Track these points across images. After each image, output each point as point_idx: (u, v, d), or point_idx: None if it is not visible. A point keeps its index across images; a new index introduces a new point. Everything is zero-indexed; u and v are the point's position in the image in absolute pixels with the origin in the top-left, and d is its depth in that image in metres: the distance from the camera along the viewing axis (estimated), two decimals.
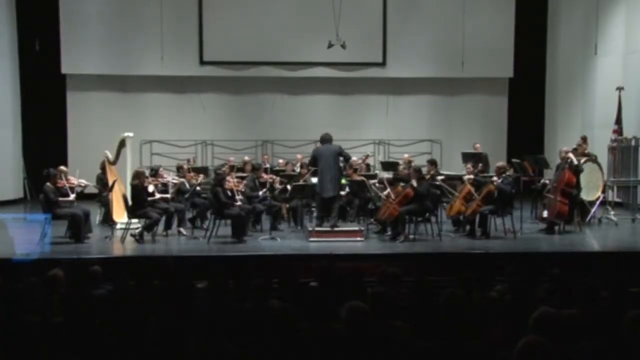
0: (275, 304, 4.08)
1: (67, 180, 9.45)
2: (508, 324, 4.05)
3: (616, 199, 11.44)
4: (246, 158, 12.76)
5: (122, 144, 10.64)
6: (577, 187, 10.04)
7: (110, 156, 10.75)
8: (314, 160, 9.53)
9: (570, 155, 10.04)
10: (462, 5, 14.43)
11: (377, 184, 9.98)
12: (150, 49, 14.36)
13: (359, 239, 9.24)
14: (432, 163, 10.70)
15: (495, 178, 9.32)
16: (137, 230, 9.20)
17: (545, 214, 10.17)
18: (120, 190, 10.27)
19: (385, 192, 9.45)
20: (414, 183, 9.16)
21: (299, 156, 13.21)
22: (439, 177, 9.88)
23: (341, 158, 9.45)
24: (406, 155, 13.07)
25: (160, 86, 14.98)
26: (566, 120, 14.33)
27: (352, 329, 3.70)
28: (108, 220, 10.28)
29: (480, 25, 14.75)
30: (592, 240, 9.70)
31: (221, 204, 9.23)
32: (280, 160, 13.25)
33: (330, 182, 9.22)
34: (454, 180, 10.31)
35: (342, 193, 10.37)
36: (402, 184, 9.55)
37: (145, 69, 14.60)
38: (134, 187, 9.41)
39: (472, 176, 9.62)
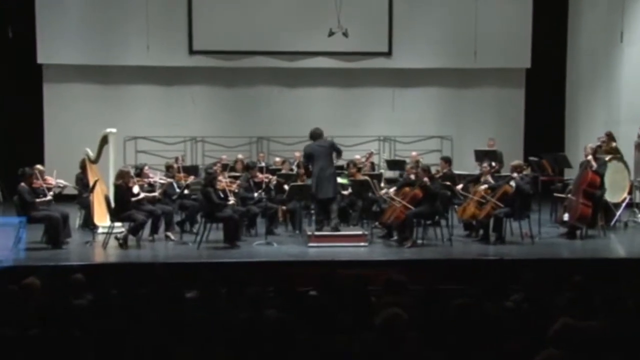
0: (271, 315, 4.08)
1: (43, 180, 9.45)
2: (525, 336, 4.05)
3: None
4: (240, 156, 12.76)
5: (104, 140, 10.64)
6: (601, 187, 10.04)
7: (91, 154, 10.75)
8: (308, 159, 9.51)
9: (590, 158, 10.03)
10: None
11: (385, 195, 9.93)
12: (134, 36, 14.35)
13: (362, 244, 9.24)
14: (446, 161, 10.70)
15: (515, 174, 9.33)
16: (121, 235, 9.21)
17: (566, 217, 10.17)
18: (102, 191, 10.26)
19: (389, 192, 9.44)
20: (427, 182, 9.18)
21: (297, 154, 13.19)
22: (458, 187, 9.80)
23: (334, 154, 9.45)
24: (414, 153, 13.09)
25: (145, 78, 14.97)
26: (589, 115, 14.33)
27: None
28: (89, 224, 10.27)
29: (494, 11, 14.74)
30: (617, 245, 9.70)
31: (212, 205, 9.23)
32: (277, 159, 13.23)
33: (328, 182, 9.23)
34: (468, 181, 10.31)
35: (345, 193, 10.38)
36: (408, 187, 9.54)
37: (129, 58, 14.59)
38: (117, 188, 9.42)
39: (487, 185, 9.53)
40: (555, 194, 10.64)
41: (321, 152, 9.27)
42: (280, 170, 11.70)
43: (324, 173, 9.21)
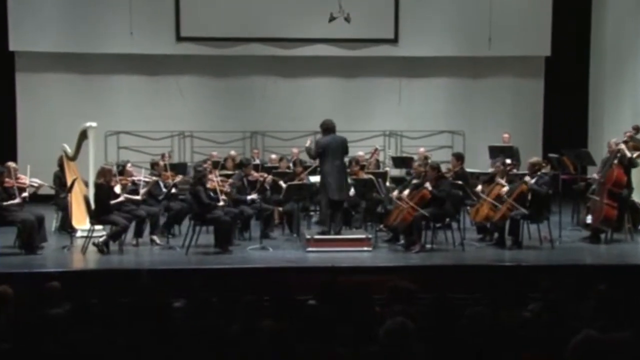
0: (267, 325, 4.09)
1: (16, 179, 9.44)
2: (544, 350, 4.06)
3: None
4: (232, 153, 12.77)
5: (83, 135, 10.63)
6: (628, 186, 10.04)
7: (69, 150, 10.75)
8: (320, 154, 9.39)
9: (622, 146, 10.00)
10: None
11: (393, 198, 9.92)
12: (116, 22, 14.35)
13: (365, 248, 9.25)
14: (458, 157, 10.68)
15: (527, 179, 9.30)
16: (101, 239, 9.21)
17: (589, 219, 10.18)
18: (81, 191, 10.26)
19: (402, 195, 9.42)
20: (429, 186, 9.16)
21: (294, 150, 13.21)
22: (478, 187, 9.78)
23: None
24: (422, 150, 13.10)
25: (128, 67, 14.97)
26: (615, 107, 14.32)
27: (393, 351, 3.72)
28: (66, 226, 10.28)
29: None
30: None
31: (202, 206, 9.24)
32: (273, 156, 13.24)
33: (342, 183, 9.24)
34: (479, 181, 10.31)
35: (350, 194, 10.39)
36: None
37: (110, 46, 14.59)
38: (98, 187, 9.42)
39: (506, 187, 9.50)
40: (589, 195, 10.59)
41: (336, 148, 9.26)
42: (276, 168, 11.70)
43: (338, 171, 9.21)
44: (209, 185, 9.46)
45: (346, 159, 10.22)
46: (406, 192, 9.46)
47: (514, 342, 4.20)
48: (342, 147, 9.32)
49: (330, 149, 9.29)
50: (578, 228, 10.71)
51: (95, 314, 5.06)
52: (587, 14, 15.11)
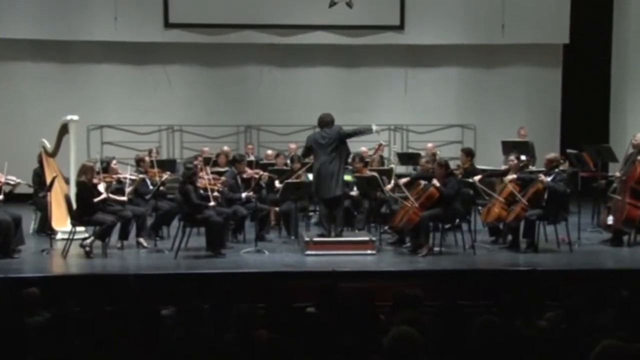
0: (262, 335, 4.09)
1: None
2: None
3: None
4: (224, 148, 12.76)
5: (63, 130, 10.64)
6: None
7: (49, 146, 10.75)
8: (307, 151, 9.51)
9: None
10: None
11: (393, 191, 9.92)
12: (100, 7, 14.34)
13: (369, 251, 9.25)
14: (468, 153, 10.68)
15: (542, 177, 9.30)
16: (87, 241, 9.22)
17: (610, 220, 10.18)
18: (62, 190, 10.26)
19: (400, 181, 9.44)
20: (437, 183, 9.17)
21: (292, 146, 13.21)
22: (476, 177, 9.84)
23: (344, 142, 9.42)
24: (430, 145, 13.10)
25: (113, 55, 14.96)
26: (639, 99, 14.33)
27: None
28: (45, 228, 10.27)
29: None
30: None
31: (192, 206, 9.24)
32: (269, 152, 13.24)
33: (332, 179, 9.21)
34: (493, 178, 10.31)
35: (353, 193, 10.38)
36: (423, 182, 9.55)
37: (93, 32, 14.58)
38: (80, 186, 9.41)
39: (515, 176, 9.54)
40: (610, 194, 10.57)
41: (324, 143, 9.24)
42: (272, 164, 11.70)
43: (326, 168, 9.18)
44: (199, 184, 9.45)
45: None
46: (403, 180, 9.50)
47: (529, 354, 4.20)
48: (334, 140, 9.23)
49: (316, 144, 9.28)
50: (598, 229, 10.70)
51: (77, 323, 5.06)
52: None
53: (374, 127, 9.59)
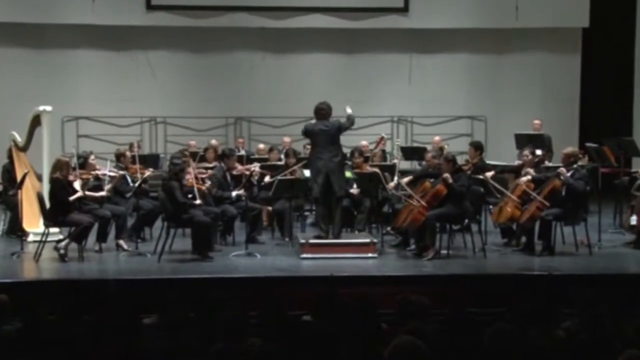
0: (255, 344, 4.09)
1: None
2: None
3: None
4: (212, 142, 12.75)
5: (35, 121, 10.62)
6: None
7: (19, 139, 10.73)
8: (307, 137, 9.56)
9: None
10: None
11: (397, 190, 9.90)
12: None
13: (370, 254, 9.26)
14: (477, 147, 10.68)
15: (562, 169, 9.30)
16: (62, 243, 9.20)
17: (633, 220, 10.19)
18: (34, 188, 10.24)
19: (402, 181, 9.43)
20: (449, 178, 9.16)
21: (286, 139, 13.20)
22: (489, 173, 9.84)
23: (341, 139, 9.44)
24: (437, 138, 13.10)
25: (90, 40, 14.95)
26: None
27: None
28: (16, 229, 10.26)
29: None
30: None
31: (177, 205, 9.23)
32: (261, 146, 13.24)
33: (332, 176, 9.20)
34: (505, 174, 10.31)
35: (353, 191, 10.37)
36: (430, 179, 9.55)
37: (69, 16, 14.56)
38: (54, 183, 9.39)
39: (529, 177, 9.50)
40: (634, 192, 10.57)
41: (322, 136, 9.22)
42: (265, 160, 11.70)
43: (325, 164, 9.18)
44: (186, 182, 9.43)
45: (346, 148, 10.20)
46: (406, 179, 9.49)
47: None
48: (333, 134, 9.24)
49: (318, 137, 9.27)
50: (621, 231, 10.72)
51: (50, 333, 5.05)
52: None
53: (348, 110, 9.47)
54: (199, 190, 9.51)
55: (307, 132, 9.45)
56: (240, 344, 4.57)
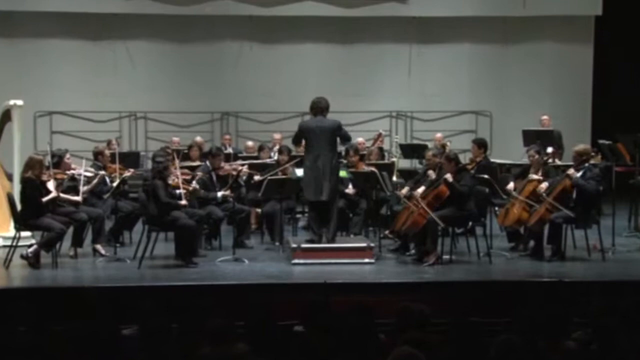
0: (240, 349, 4.09)
1: None
2: None
3: None
4: (197, 139, 12.74)
5: (5, 117, 10.60)
6: None
7: None
8: (299, 140, 9.54)
9: None
10: None
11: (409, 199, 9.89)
12: None
13: (367, 260, 9.26)
14: (480, 145, 10.70)
15: (571, 171, 9.31)
16: (30, 249, 9.19)
17: None
18: (4, 188, 10.23)
19: (416, 193, 9.39)
20: (449, 178, 9.17)
21: (276, 136, 13.20)
22: (509, 186, 9.82)
23: (338, 140, 9.44)
24: (438, 135, 13.13)
25: (64, 29, 14.93)
26: None
27: None
28: None
29: None
30: None
31: (161, 206, 9.22)
32: (249, 143, 13.23)
33: (325, 178, 9.21)
34: (510, 174, 10.33)
35: (348, 191, 10.37)
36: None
37: (41, 2, 14.55)
38: (26, 183, 9.37)
39: (538, 176, 9.51)
40: None
41: (320, 134, 9.22)
42: (254, 158, 11.69)
43: (319, 165, 9.18)
44: (170, 181, 9.42)
45: (341, 148, 10.21)
46: (420, 189, 9.41)
47: None
48: (330, 133, 9.25)
49: (310, 134, 9.27)
50: (636, 234, 10.75)
51: (22, 344, 5.04)
52: None
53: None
54: (185, 191, 9.50)
55: (302, 131, 9.42)
56: (226, 356, 4.57)
